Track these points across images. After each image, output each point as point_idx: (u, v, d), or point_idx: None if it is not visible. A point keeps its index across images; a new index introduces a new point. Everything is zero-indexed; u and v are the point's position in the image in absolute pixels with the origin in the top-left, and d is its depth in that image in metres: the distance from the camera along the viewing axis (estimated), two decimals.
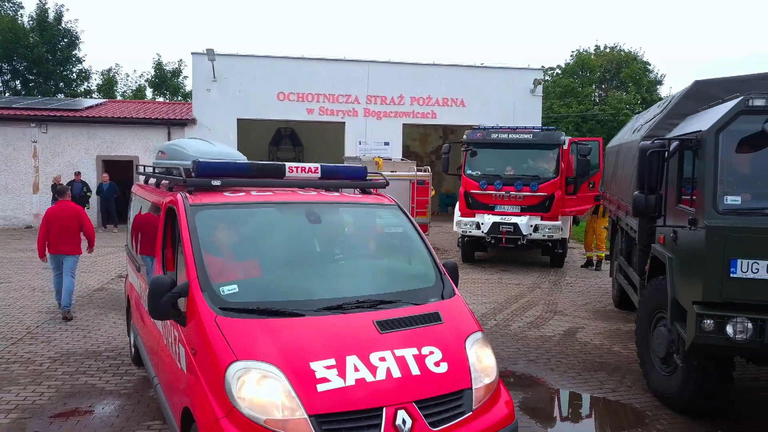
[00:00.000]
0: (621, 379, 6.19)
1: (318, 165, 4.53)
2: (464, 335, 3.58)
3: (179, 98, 37.90)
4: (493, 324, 8.23)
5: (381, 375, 3.12)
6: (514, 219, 12.23)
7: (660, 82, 41.67)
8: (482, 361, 3.50)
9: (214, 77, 19.36)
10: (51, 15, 32.99)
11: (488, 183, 12.44)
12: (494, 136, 12.75)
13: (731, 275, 4.16)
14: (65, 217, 7.98)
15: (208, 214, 3.91)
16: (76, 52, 34.46)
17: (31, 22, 32.88)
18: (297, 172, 4.41)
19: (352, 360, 3.12)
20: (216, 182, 4.10)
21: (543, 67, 23.20)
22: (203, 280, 3.42)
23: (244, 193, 4.21)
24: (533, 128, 13.16)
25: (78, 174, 17.71)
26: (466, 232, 12.62)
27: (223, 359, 3.05)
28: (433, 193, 14.84)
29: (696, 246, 4.43)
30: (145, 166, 6.50)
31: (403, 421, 3.01)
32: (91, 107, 20.87)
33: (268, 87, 19.77)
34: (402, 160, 17.33)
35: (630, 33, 70.81)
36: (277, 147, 24.88)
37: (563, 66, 42.38)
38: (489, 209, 12.48)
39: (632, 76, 39.05)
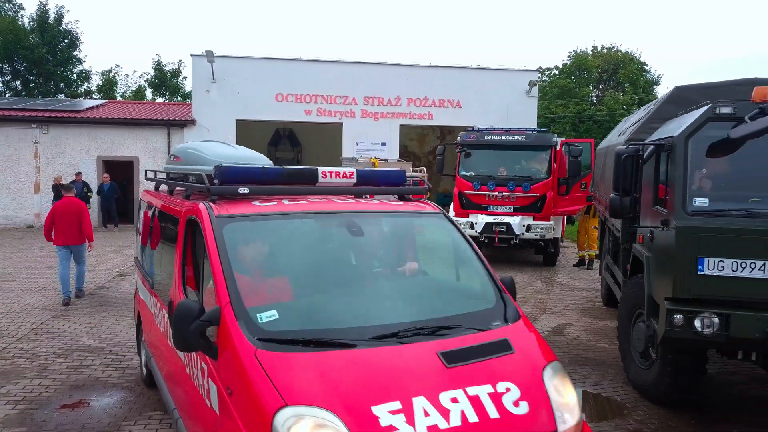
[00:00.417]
0: (604, 373, 6.44)
1: (353, 169, 4.05)
2: (540, 366, 3.09)
3: (179, 99, 38.17)
4: None
5: (455, 420, 2.66)
6: (506, 219, 12.49)
7: (657, 83, 41.96)
8: (564, 397, 3.00)
9: (214, 79, 19.60)
10: (51, 16, 33.30)
11: (482, 183, 12.70)
12: (488, 137, 13.02)
13: (699, 273, 4.41)
14: (69, 213, 8.85)
15: (238, 226, 3.46)
16: (76, 52, 34.81)
17: (31, 23, 33.18)
18: (331, 177, 3.94)
19: (420, 402, 2.67)
20: (243, 190, 3.62)
21: (540, 67, 23.61)
22: (237, 306, 2.97)
23: (275, 202, 3.70)
24: (526, 130, 13.42)
25: (79, 174, 17.95)
26: None
27: (269, 404, 2.59)
28: (428, 194, 15.08)
29: (668, 245, 4.69)
30: (156, 171, 5.92)
31: None
32: (91, 108, 21.12)
33: (267, 88, 20.01)
34: (398, 160, 17.60)
35: (627, 33, 71.14)
36: (276, 147, 25.12)
37: (561, 66, 42.65)
38: (482, 209, 12.74)
39: (629, 76, 39.34)
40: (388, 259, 4.04)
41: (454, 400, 2.73)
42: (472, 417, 2.70)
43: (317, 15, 77.23)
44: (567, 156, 12.61)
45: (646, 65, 41.45)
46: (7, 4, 33.27)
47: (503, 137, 12.96)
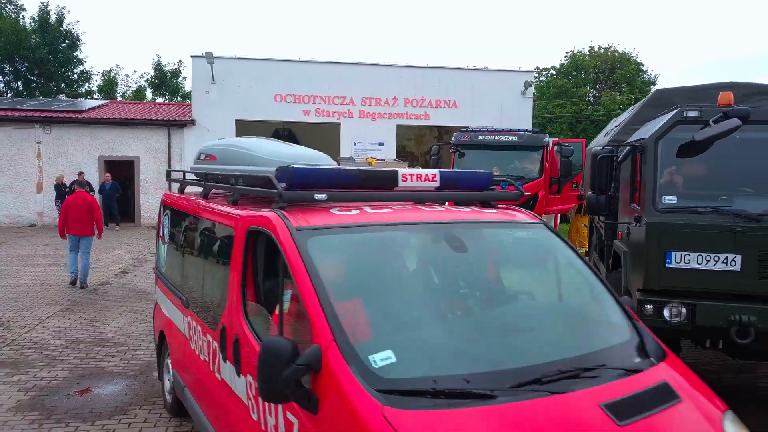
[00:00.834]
0: None
1: (435, 171, 3.49)
2: (717, 418, 2.52)
3: (178, 99, 38.48)
4: None
5: None
6: None
7: (653, 83, 42.18)
8: None
9: (213, 79, 19.91)
10: (53, 17, 33.58)
11: None
12: (481, 138, 13.31)
13: (667, 265, 4.73)
14: (80, 205, 9.91)
15: (323, 241, 2.86)
16: (77, 53, 35.07)
17: (33, 24, 33.45)
18: (412, 180, 3.36)
19: None
20: (320, 196, 2.98)
21: (537, 67, 23.95)
22: (345, 346, 2.33)
23: (357, 211, 3.09)
24: (518, 131, 13.72)
25: (81, 174, 18.21)
26: None
27: None
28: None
29: (640, 240, 5.00)
30: (185, 172, 5.44)
31: None
32: (93, 108, 21.43)
33: (266, 89, 20.32)
34: (395, 160, 17.90)
35: (625, 34, 71.44)
36: None
37: (558, 67, 42.96)
38: None
39: (626, 76, 39.65)
40: (498, 281, 3.37)
41: None
42: None
43: (316, 17, 77.57)
44: (559, 156, 12.91)
45: (643, 65, 41.79)
46: (8, 5, 33.56)
47: (496, 137, 13.25)
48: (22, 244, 15.33)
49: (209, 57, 19.25)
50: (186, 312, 4.30)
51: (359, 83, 20.75)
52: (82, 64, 35.85)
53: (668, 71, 66.57)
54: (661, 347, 2.86)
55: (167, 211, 5.30)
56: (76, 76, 35.83)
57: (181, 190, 5.15)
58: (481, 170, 3.78)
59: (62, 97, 32.59)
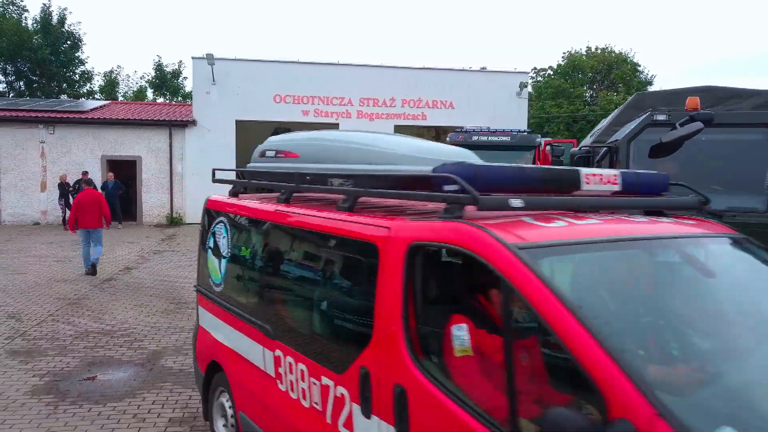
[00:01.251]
0: None
1: (616, 172, 2.84)
2: None
3: (179, 98, 38.86)
4: None
5: None
6: None
7: (650, 83, 42.62)
8: None
9: (214, 80, 20.27)
10: (55, 18, 33.97)
11: None
12: (475, 138, 13.67)
13: None
14: (90, 202, 10.95)
15: (563, 264, 2.31)
16: (78, 53, 35.46)
17: (35, 25, 33.83)
18: (595, 183, 2.71)
19: None
20: (516, 202, 2.35)
21: (535, 68, 24.26)
22: (676, 423, 1.67)
23: (564, 222, 2.46)
24: (511, 131, 14.09)
25: (85, 173, 18.58)
26: None
27: None
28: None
29: None
30: (243, 171, 4.51)
31: None
32: (95, 109, 21.80)
33: (265, 89, 20.69)
34: None
35: (622, 34, 71.84)
36: None
37: (555, 67, 43.34)
38: None
39: (622, 77, 40.05)
40: (755, 313, 2.56)
41: None
42: None
43: (315, 19, 77.97)
44: (550, 155, 13.28)
45: (639, 66, 42.19)
46: (11, 6, 33.92)
47: (489, 138, 13.62)
48: (27, 241, 15.69)
49: (210, 58, 19.62)
50: (270, 344, 3.46)
51: (357, 84, 21.13)
52: (84, 64, 36.27)
53: (668, 71, 67.11)
54: None
55: (221, 219, 4.36)
56: (77, 76, 36.22)
57: (235, 194, 4.42)
58: (658, 172, 3.17)
59: (64, 97, 32.98)
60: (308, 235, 3.32)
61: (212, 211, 4.57)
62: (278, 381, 3.38)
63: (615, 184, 2.78)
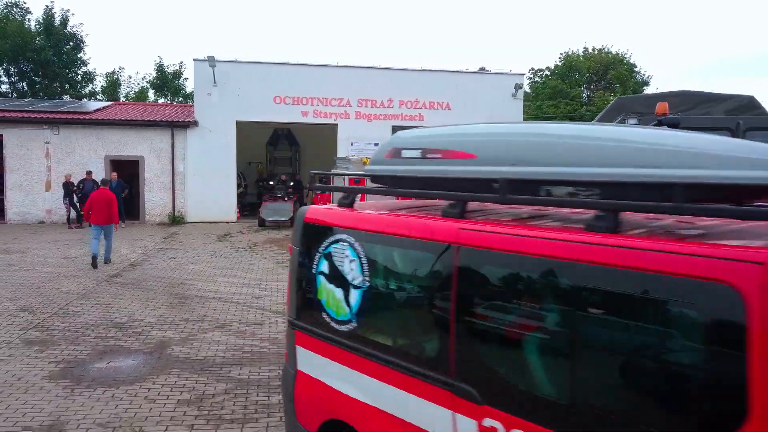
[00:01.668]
0: None
1: None
2: None
3: (180, 99, 39.27)
4: None
5: None
6: None
7: (647, 83, 43.03)
8: None
9: (215, 82, 20.68)
10: (57, 19, 34.40)
11: None
12: None
13: None
14: (103, 200, 11.92)
15: None
16: (81, 54, 35.88)
17: (38, 26, 34.26)
18: None
19: None
20: None
21: (532, 68, 24.71)
22: None
23: None
24: None
25: (89, 173, 19.01)
26: None
27: None
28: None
29: None
30: (394, 173, 3.39)
31: None
32: (99, 110, 22.20)
33: (266, 91, 21.09)
34: None
35: (620, 35, 72.20)
36: (275, 147, 26.19)
37: (552, 68, 43.76)
38: None
39: (619, 77, 40.46)
40: None
41: None
42: None
43: (314, 21, 78.38)
44: None
45: (636, 66, 42.60)
46: (14, 8, 34.34)
47: None
48: (33, 240, 16.09)
49: (211, 60, 20.03)
50: (473, 411, 2.64)
51: (355, 85, 21.54)
52: (86, 65, 36.70)
53: (668, 72, 67.46)
54: None
55: (342, 237, 3.38)
56: (79, 77, 36.64)
57: (351, 203, 3.59)
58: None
59: (66, 98, 33.38)
60: (563, 267, 2.35)
61: (321, 227, 3.58)
62: None
63: None
